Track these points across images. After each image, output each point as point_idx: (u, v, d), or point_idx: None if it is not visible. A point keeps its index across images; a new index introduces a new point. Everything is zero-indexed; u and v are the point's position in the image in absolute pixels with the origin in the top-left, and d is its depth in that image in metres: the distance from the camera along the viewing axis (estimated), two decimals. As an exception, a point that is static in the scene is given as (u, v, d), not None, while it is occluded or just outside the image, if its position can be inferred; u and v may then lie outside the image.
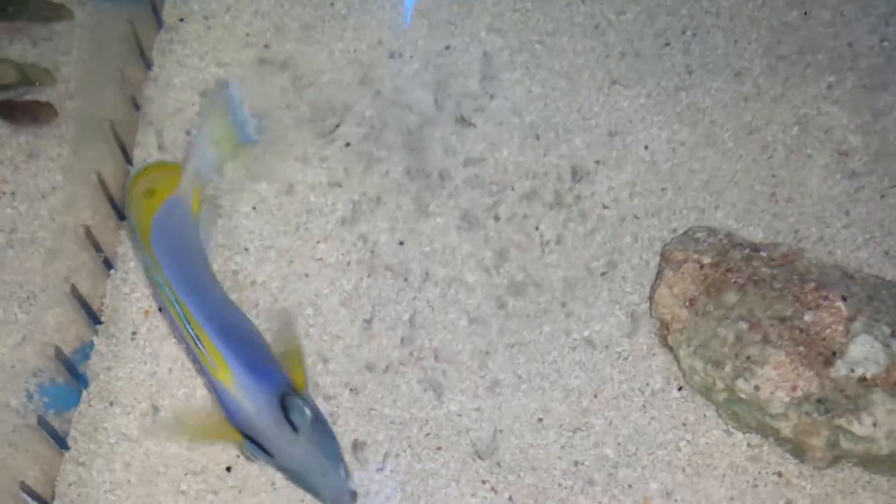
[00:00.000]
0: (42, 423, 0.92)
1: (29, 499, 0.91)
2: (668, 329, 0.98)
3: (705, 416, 0.97)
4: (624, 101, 1.14)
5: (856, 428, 0.87)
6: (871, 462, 0.91)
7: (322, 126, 1.13)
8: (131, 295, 1.03)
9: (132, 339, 1.01)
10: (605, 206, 1.09)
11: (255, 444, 0.83)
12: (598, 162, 1.11)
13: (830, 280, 0.94)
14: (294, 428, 0.81)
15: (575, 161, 1.11)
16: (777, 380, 0.89)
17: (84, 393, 0.98)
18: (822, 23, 1.18)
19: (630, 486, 0.93)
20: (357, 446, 0.96)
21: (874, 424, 0.87)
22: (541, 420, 0.98)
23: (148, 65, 1.17)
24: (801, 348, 0.90)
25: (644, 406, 0.98)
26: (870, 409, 0.87)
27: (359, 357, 1.01)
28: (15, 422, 0.93)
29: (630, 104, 1.14)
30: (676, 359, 0.97)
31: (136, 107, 1.14)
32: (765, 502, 0.92)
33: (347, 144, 1.12)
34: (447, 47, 1.18)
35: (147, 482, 0.94)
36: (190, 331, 0.85)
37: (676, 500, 0.93)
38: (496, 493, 0.94)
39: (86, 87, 1.09)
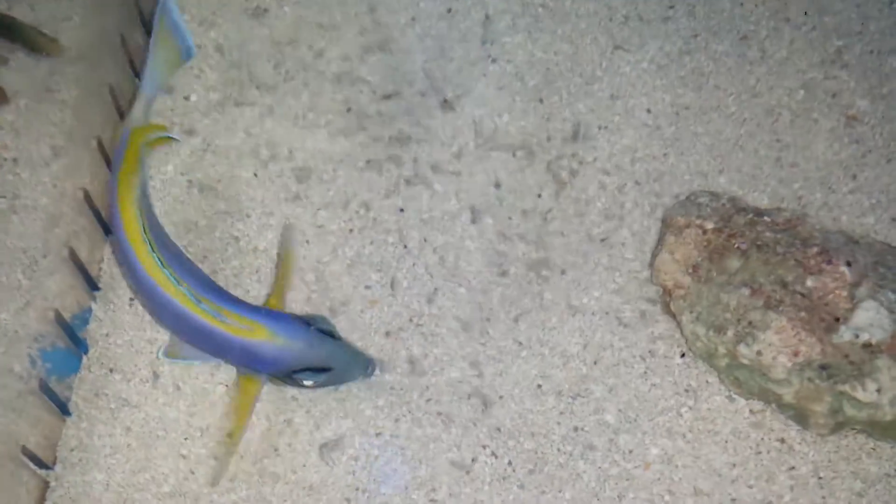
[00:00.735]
0: (44, 388, 0.91)
1: (31, 463, 0.90)
2: (669, 295, 0.96)
3: (707, 382, 0.95)
4: (627, 66, 1.11)
5: (859, 394, 0.85)
6: (874, 428, 0.89)
7: (322, 91, 1.11)
8: (130, 261, 1.01)
9: (130, 305, 0.99)
10: (606, 172, 1.06)
11: (307, 373, 0.90)
12: (600, 127, 1.09)
13: (834, 245, 0.91)
14: (331, 335, 0.91)
15: (577, 126, 1.08)
16: (779, 345, 0.87)
17: (84, 359, 0.97)
18: (830, -15, 1.15)
19: (631, 451, 0.92)
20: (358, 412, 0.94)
21: (878, 391, 0.85)
22: (540, 386, 0.96)
23: (148, 30, 1.14)
24: (803, 314, 0.87)
25: (645, 372, 0.96)
26: (874, 375, 0.85)
27: (360, 323, 0.99)
28: (18, 387, 0.92)
29: (633, 68, 1.11)
30: (679, 325, 0.95)
31: (136, 73, 1.12)
32: (767, 469, 0.90)
33: (349, 109, 1.10)
34: (449, 10, 1.15)
35: (147, 446, 0.93)
36: (208, 310, 0.88)
37: (677, 466, 0.91)
38: (496, 457, 0.92)
39: (86, 53, 1.07)
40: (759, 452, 0.91)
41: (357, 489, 0.91)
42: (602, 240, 1.03)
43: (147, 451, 0.93)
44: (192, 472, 0.92)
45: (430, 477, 0.92)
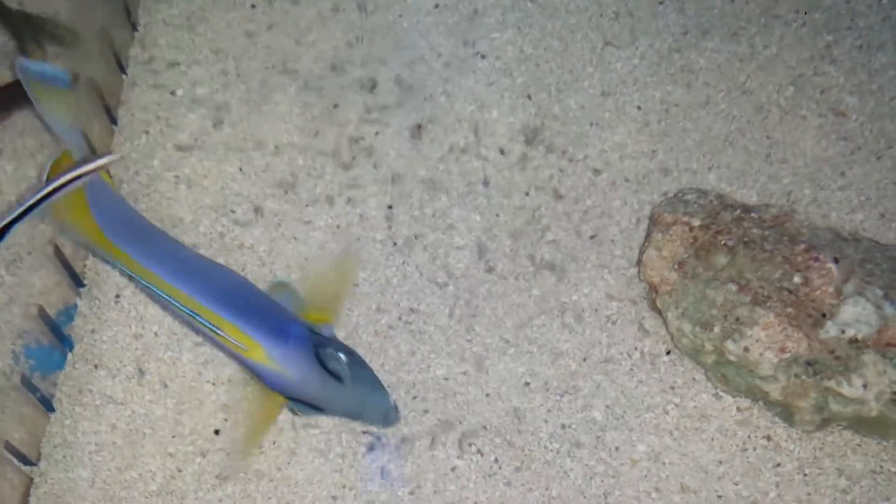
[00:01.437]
0: (27, 383, 0.92)
1: (15, 459, 0.91)
2: (656, 292, 0.97)
3: (694, 379, 0.96)
4: (617, 62, 1.12)
5: (845, 390, 0.86)
6: (860, 424, 0.90)
7: (309, 87, 1.11)
8: (116, 257, 1.02)
9: (116, 301, 1.00)
10: (596, 170, 1.07)
11: (303, 404, 0.84)
12: (591, 123, 1.10)
13: (822, 242, 0.92)
14: (336, 377, 0.83)
15: (567, 122, 1.09)
16: (766, 341, 0.88)
17: (69, 355, 0.97)
18: (820, -19, 1.16)
19: (617, 448, 0.93)
20: (344, 409, 0.95)
21: (864, 386, 0.86)
22: (528, 384, 0.97)
23: (134, 25, 1.15)
24: (790, 310, 0.88)
25: (632, 370, 0.97)
26: (860, 370, 0.86)
27: (347, 320, 1.00)
28: (1, 384, 0.93)
29: (623, 65, 1.12)
30: (665, 322, 0.96)
31: (122, 67, 1.13)
32: (753, 466, 0.91)
33: (336, 105, 1.11)
34: (436, 5, 1.16)
35: (133, 444, 0.93)
36: (205, 322, 0.83)
37: (664, 463, 0.92)
38: (482, 455, 0.93)
39: (73, 50, 1.08)
40: (746, 450, 0.92)
41: (343, 486, 0.92)
42: (591, 237, 1.04)
43: (133, 449, 0.93)
44: (180, 471, 0.92)
45: (415, 474, 0.92)
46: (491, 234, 1.04)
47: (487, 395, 0.96)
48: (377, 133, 1.09)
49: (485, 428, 0.95)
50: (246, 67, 1.13)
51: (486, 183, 1.07)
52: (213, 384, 0.96)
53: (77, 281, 1.00)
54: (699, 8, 1.15)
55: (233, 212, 1.05)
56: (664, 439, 0.93)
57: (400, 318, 1.00)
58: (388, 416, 0.88)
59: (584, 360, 0.98)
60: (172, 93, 1.11)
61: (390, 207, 1.06)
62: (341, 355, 0.84)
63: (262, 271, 1.02)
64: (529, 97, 1.11)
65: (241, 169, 1.07)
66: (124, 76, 1.13)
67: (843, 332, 0.87)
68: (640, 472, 0.91)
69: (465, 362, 0.98)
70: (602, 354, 0.98)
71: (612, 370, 0.97)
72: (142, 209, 1.04)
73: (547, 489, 0.91)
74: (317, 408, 0.85)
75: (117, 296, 1.00)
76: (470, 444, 0.94)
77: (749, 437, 0.92)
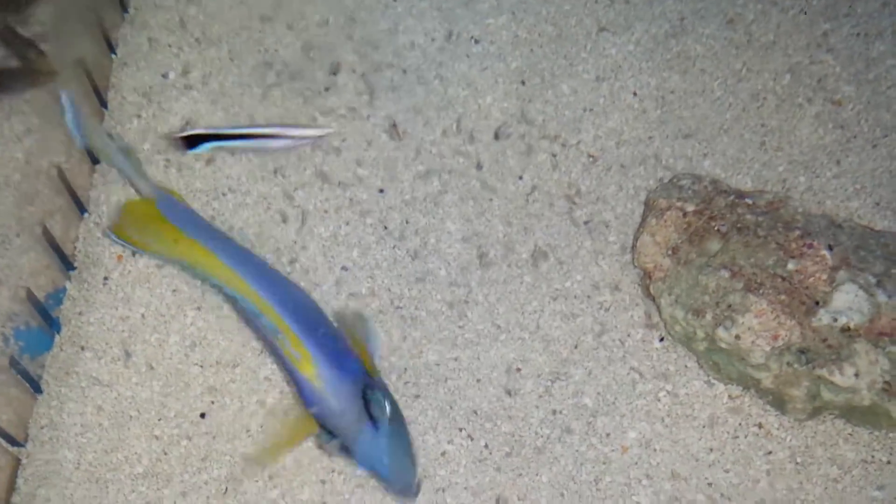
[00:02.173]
0: (15, 365, 0.92)
1: (2, 440, 0.91)
2: (650, 278, 0.97)
3: (686, 366, 0.96)
4: (612, 48, 1.13)
5: (837, 378, 0.87)
6: (852, 413, 0.90)
7: (301, 70, 1.12)
8: (104, 239, 1.02)
9: (104, 284, 1.00)
10: (590, 156, 1.08)
11: (332, 436, 0.84)
12: (585, 109, 1.10)
13: (816, 228, 0.92)
14: (374, 422, 0.83)
15: (561, 108, 1.10)
16: (758, 329, 0.88)
17: (56, 338, 0.98)
18: (819, -32, 1.16)
19: (608, 435, 0.93)
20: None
21: (856, 375, 0.86)
22: (519, 370, 0.97)
23: (124, 7, 1.15)
24: (783, 297, 0.89)
25: (624, 357, 0.97)
26: (852, 359, 0.87)
27: (337, 304, 1.00)
28: (-11, 366, 0.93)
29: (618, 51, 1.12)
30: (658, 308, 0.96)
31: (112, 49, 1.13)
32: (744, 454, 0.92)
33: (327, 89, 1.11)
34: (431, -11, 1.16)
35: (119, 426, 0.94)
36: (268, 322, 0.85)
37: (655, 450, 0.92)
38: (472, 440, 0.94)
39: (61, 29, 1.08)
40: (737, 437, 0.92)
41: (333, 471, 0.92)
42: (585, 223, 1.05)
43: (119, 431, 0.94)
44: (166, 454, 0.93)
45: (405, 459, 0.93)
46: (483, 218, 1.05)
47: (478, 380, 0.97)
48: (368, 116, 1.10)
49: (475, 413, 0.95)
50: (239, 51, 1.13)
51: (479, 167, 1.07)
52: (201, 367, 0.96)
53: (67, 264, 1.01)
54: (696, -6, 1.16)
55: (223, 195, 1.05)
56: (655, 426, 0.93)
57: (391, 303, 1.01)
58: (409, 488, 0.85)
59: (576, 346, 0.98)
60: (164, 75, 1.12)
61: (381, 191, 1.06)
62: (387, 405, 0.84)
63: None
64: (523, 82, 1.11)
65: (232, 153, 1.07)
66: (114, 56, 1.13)
67: (835, 320, 0.88)
68: (630, 459, 0.92)
69: (456, 348, 0.98)
70: (594, 341, 0.98)
71: (604, 357, 0.97)
72: (131, 193, 1.05)
73: (537, 475, 0.92)
74: (346, 449, 0.84)
75: (105, 278, 1.00)
76: (460, 430, 0.94)
77: (740, 424, 0.93)
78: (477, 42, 1.13)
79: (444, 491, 0.91)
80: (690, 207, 0.96)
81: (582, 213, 1.05)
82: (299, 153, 1.07)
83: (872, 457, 0.91)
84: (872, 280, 0.89)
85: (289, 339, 0.85)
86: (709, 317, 0.91)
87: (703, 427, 0.93)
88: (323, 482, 0.92)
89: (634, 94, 1.10)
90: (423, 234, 1.04)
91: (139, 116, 1.10)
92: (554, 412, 0.95)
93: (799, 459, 0.91)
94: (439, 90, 1.11)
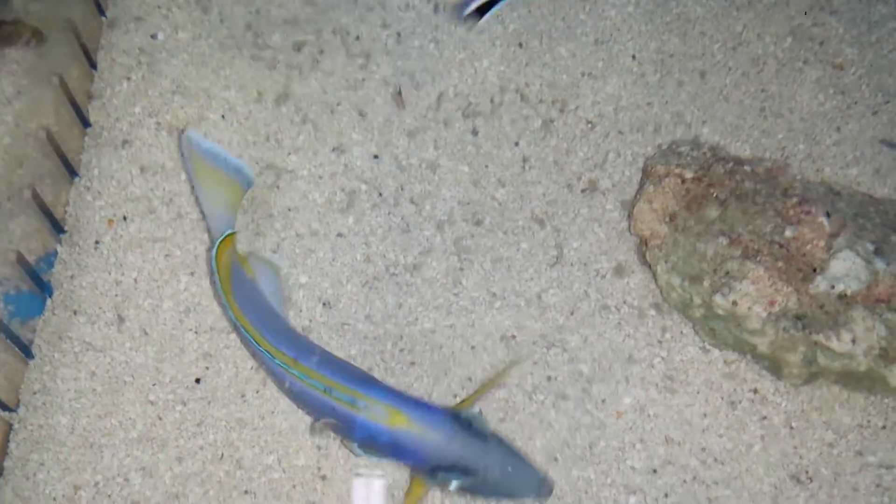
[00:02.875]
0: (5, 330, 0.93)
1: (-6, 406, 0.92)
2: (646, 245, 0.98)
3: (682, 333, 0.97)
4: (611, 10, 1.12)
5: (834, 344, 0.88)
6: (848, 379, 0.92)
7: (293, 33, 1.11)
8: (95, 203, 1.02)
9: (95, 248, 1.01)
10: (588, 121, 1.08)
11: (452, 472, 0.83)
12: (583, 73, 1.10)
13: (814, 196, 0.93)
14: (481, 437, 0.84)
15: (559, 71, 1.10)
16: (755, 295, 0.89)
17: (48, 302, 0.98)
18: (822, -72, 1.16)
19: (603, 400, 0.95)
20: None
21: (853, 341, 0.88)
22: (514, 337, 0.98)
23: (115, -34, 1.15)
24: (780, 264, 0.90)
25: (620, 323, 0.98)
26: (849, 325, 0.88)
27: (331, 271, 1.01)
28: (-20, 331, 0.94)
29: (618, 13, 1.12)
30: (654, 276, 0.97)
31: (101, 10, 1.12)
32: (739, 419, 0.93)
33: (321, 52, 1.11)
34: (426, -50, 1.16)
35: (113, 392, 0.95)
36: (342, 396, 0.84)
37: (649, 416, 0.94)
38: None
39: (50, -10, 1.08)
40: (732, 402, 0.94)
41: (328, 436, 0.94)
42: (582, 190, 1.05)
43: (113, 397, 0.95)
44: (160, 419, 0.94)
45: (399, 424, 0.94)
46: (479, 185, 1.05)
47: (473, 347, 0.98)
48: (364, 80, 1.10)
49: (470, 380, 0.96)
50: (229, 12, 1.13)
51: (475, 133, 1.08)
52: (195, 332, 0.97)
53: (57, 227, 1.01)
54: (697, -44, 1.15)
55: (215, 159, 1.05)
56: (650, 392, 0.95)
57: (387, 270, 1.01)
58: (545, 483, 0.85)
59: (572, 313, 0.99)
60: (153, 36, 1.11)
61: (376, 157, 1.06)
62: (482, 417, 0.86)
63: (245, 219, 1.02)
64: (521, 45, 1.11)
65: (223, 116, 1.07)
66: (103, 18, 1.12)
67: (832, 286, 0.89)
68: (625, 424, 0.93)
69: (451, 315, 0.99)
70: (590, 308, 0.99)
71: (600, 323, 0.98)
72: (122, 156, 1.05)
73: (531, 439, 0.93)
74: (462, 474, 0.83)
75: (97, 242, 1.01)
76: (455, 396, 0.96)
77: (735, 390, 0.94)
78: (474, 4, 1.13)
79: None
80: (689, 174, 0.97)
81: (579, 180, 1.06)
82: (291, 118, 1.07)
83: (868, 422, 0.93)
84: (870, 247, 0.90)
85: (370, 404, 0.84)
86: (706, 283, 0.92)
87: (698, 393, 0.94)
88: (318, 448, 0.93)
89: (633, 57, 1.10)
90: (418, 201, 1.05)
91: (129, 78, 1.10)
92: (549, 378, 0.96)
93: (794, 424, 0.92)
94: (434, 54, 1.11)
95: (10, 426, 0.93)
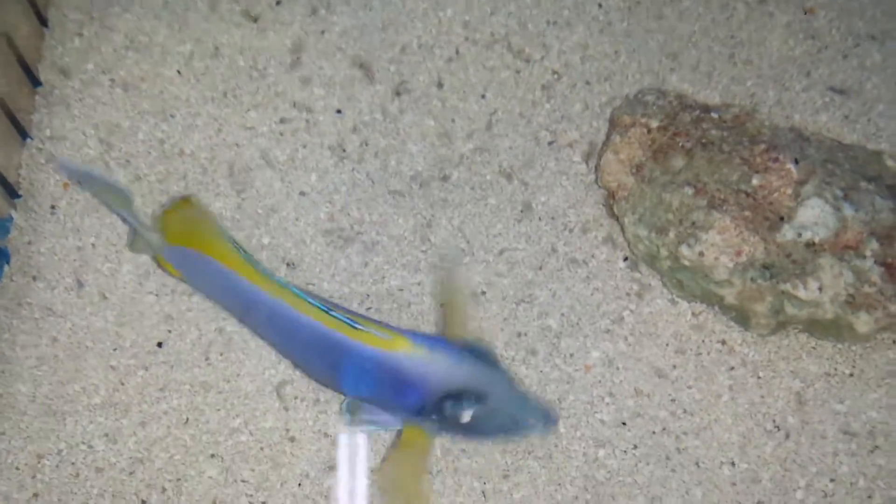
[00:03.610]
0: (-39, 298, 0.92)
1: (-47, 379, 0.92)
2: (613, 198, 0.98)
3: (650, 285, 0.98)
4: (577, -44, 1.11)
5: (801, 293, 0.89)
6: (815, 327, 0.93)
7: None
8: (48, 166, 1.01)
9: (52, 212, 0.99)
10: (554, 72, 1.07)
11: (464, 400, 0.79)
12: (548, 22, 1.09)
13: (783, 142, 0.93)
14: (491, 362, 0.82)
15: (523, 21, 1.08)
16: (721, 245, 0.90)
17: (6, 268, 0.97)
18: None
19: (572, 355, 0.95)
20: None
21: (820, 289, 0.89)
22: (484, 293, 0.99)
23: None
24: (747, 213, 0.90)
25: (588, 277, 0.99)
26: (816, 273, 0.89)
27: (295, 231, 1.00)
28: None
29: (584, -41, 1.11)
30: (622, 228, 0.98)
31: (49, -36, 1.09)
32: (707, 370, 0.94)
33: (279, 3, 1.09)
34: None
35: (75, 357, 0.94)
36: (342, 318, 0.81)
37: (618, 368, 0.95)
38: (436, 365, 0.95)
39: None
40: (700, 354, 0.95)
41: (296, 398, 0.94)
42: (549, 143, 1.05)
43: (75, 363, 0.94)
44: (122, 384, 0.94)
45: (367, 384, 0.94)
46: (445, 139, 1.04)
47: (442, 304, 0.98)
48: (323, 32, 1.08)
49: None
50: None
51: (440, 85, 1.06)
52: (156, 295, 0.96)
53: (11, 192, 1.00)
54: None
55: (172, 117, 1.04)
56: (619, 345, 0.96)
57: (352, 228, 1.01)
58: (550, 414, 0.83)
59: (541, 268, 0.99)
60: (106, -10, 1.09)
61: (339, 112, 1.05)
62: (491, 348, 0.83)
63: (205, 179, 1.01)
64: (485, -6, 1.10)
65: (179, 72, 1.05)
66: (52, -27, 1.10)
67: (799, 235, 0.89)
68: (594, 378, 0.94)
69: (419, 273, 0.99)
70: (558, 262, 1.00)
71: (569, 278, 0.99)
72: (75, 116, 1.03)
73: (501, 395, 0.94)
74: (475, 401, 0.79)
75: (53, 207, 1.00)
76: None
77: (703, 341, 0.95)
78: (435, -49, 1.11)
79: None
80: (655, 124, 0.96)
81: (546, 132, 1.05)
82: (249, 73, 1.06)
83: (835, 370, 0.94)
84: (839, 193, 0.90)
85: (368, 326, 0.80)
86: (672, 235, 0.92)
87: (667, 345, 0.95)
88: (286, 409, 0.93)
89: (600, 5, 1.09)
90: (382, 157, 1.04)
91: (81, 35, 1.07)
92: (519, 335, 0.97)
93: (761, 374, 0.94)
94: (397, 3, 1.09)
95: (-30, 395, 0.93)
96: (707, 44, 1.07)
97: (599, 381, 0.94)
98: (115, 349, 0.95)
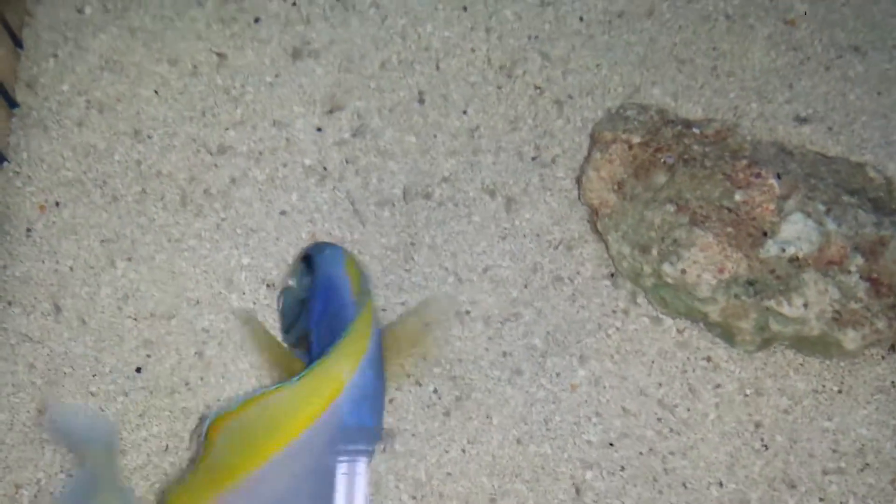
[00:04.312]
0: (-65, 326, 0.91)
1: (-72, 406, 0.91)
2: (597, 215, 0.98)
3: (635, 303, 0.98)
4: (558, -30, 1.11)
5: (786, 309, 0.89)
6: (802, 344, 0.93)
7: (226, 3, 1.09)
8: (25, 189, 1.01)
9: (28, 235, 0.99)
10: (536, 87, 1.07)
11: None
12: (529, 37, 1.09)
13: (765, 157, 0.94)
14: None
15: (504, 35, 1.09)
16: (704, 262, 0.90)
17: (-20, 294, 0.97)
18: None
19: (558, 374, 0.95)
20: (275, 343, 0.96)
21: (805, 305, 0.89)
22: (468, 312, 0.99)
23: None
24: (729, 229, 0.90)
25: (573, 295, 0.99)
26: (801, 289, 0.89)
27: (275, 251, 1.00)
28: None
29: (564, -27, 1.11)
30: (606, 245, 0.98)
31: (23, -17, 1.09)
32: (693, 388, 0.94)
33: (257, 20, 1.08)
34: (363, -89, 1.13)
35: (53, 384, 0.94)
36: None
37: (605, 387, 0.95)
38: (420, 386, 0.95)
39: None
40: (686, 371, 0.95)
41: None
42: (532, 158, 1.05)
43: (53, 389, 0.94)
44: (102, 410, 0.93)
45: (350, 406, 0.94)
46: (428, 156, 1.05)
47: (427, 324, 0.98)
48: (302, 49, 1.08)
49: (423, 359, 0.96)
50: None
51: (421, 101, 1.07)
52: (135, 319, 0.96)
53: (-15, 216, 0.99)
54: None
55: (149, 137, 1.03)
56: (605, 363, 0.96)
57: (333, 248, 1.01)
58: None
59: (526, 286, 1.00)
60: (80, 11, 1.08)
61: (319, 130, 1.05)
62: None
63: (183, 200, 1.01)
64: (465, 8, 1.09)
65: (156, 91, 1.05)
66: (26, -8, 1.09)
67: (783, 250, 0.90)
68: (580, 397, 0.94)
69: (403, 292, 0.99)
70: (543, 280, 1.00)
71: (554, 296, 0.99)
72: (52, 137, 1.03)
73: (487, 417, 0.94)
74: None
75: (28, 229, 0.99)
76: (408, 376, 0.96)
77: (689, 358, 0.95)
78: (415, -34, 1.11)
79: (392, 438, 0.93)
80: (636, 139, 0.96)
81: (529, 148, 1.05)
82: (227, 92, 1.05)
83: (823, 386, 0.94)
84: (822, 208, 0.91)
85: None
86: (654, 252, 0.92)
87: (652, 362, 0.95)
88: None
89: (581, 18, 1.09)
90: (364, 174, 1.04)
91: (55, 56, 1.07)
92: (504, 354, 0.97)
93: (748, 391, 0.94)
94: (375, 19, 1.09)
95: (-55, 425, 0.92)
96: (689, 56, 1.07)
97: (586, 401, 0.94)
98: (94, 375, 0.94)
